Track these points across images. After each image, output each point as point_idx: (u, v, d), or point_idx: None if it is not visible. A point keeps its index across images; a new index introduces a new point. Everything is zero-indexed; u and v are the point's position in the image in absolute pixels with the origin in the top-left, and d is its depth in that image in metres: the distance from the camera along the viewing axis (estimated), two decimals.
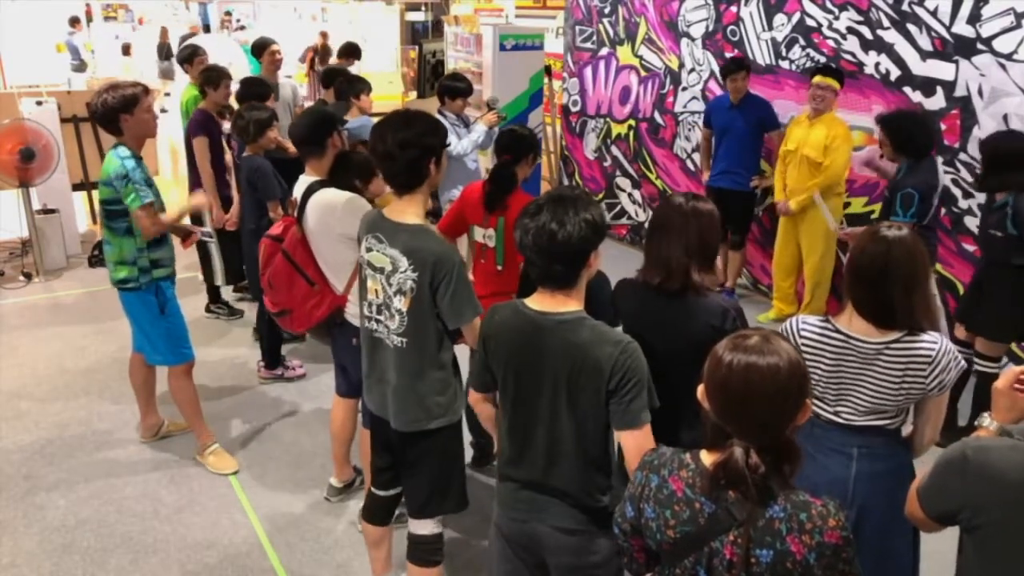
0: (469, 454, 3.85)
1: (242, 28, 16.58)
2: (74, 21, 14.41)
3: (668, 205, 2.38)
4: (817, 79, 5.15)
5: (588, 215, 1.99)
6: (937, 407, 2.25)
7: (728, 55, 6.24)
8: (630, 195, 7.64)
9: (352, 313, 3.27)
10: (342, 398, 3.64)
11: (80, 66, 13.52)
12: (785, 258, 5.68)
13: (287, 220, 3.46)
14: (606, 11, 7.49)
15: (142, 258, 3.73)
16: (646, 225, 7.33)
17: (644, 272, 2.39)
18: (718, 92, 6.43)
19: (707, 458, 1.58)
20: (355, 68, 7.97)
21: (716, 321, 2.26)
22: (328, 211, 3.19)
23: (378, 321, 2.58)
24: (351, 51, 8.43)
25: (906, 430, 2.34)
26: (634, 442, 1.98)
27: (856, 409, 2.26)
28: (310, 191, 3.28)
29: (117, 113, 3.58)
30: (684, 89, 6.82)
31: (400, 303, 2.49)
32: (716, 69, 6.42)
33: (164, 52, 13.23)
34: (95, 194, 8.12)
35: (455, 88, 5.43)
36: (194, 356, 4.04)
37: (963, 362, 2.25)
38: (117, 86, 3.64)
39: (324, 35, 14.58)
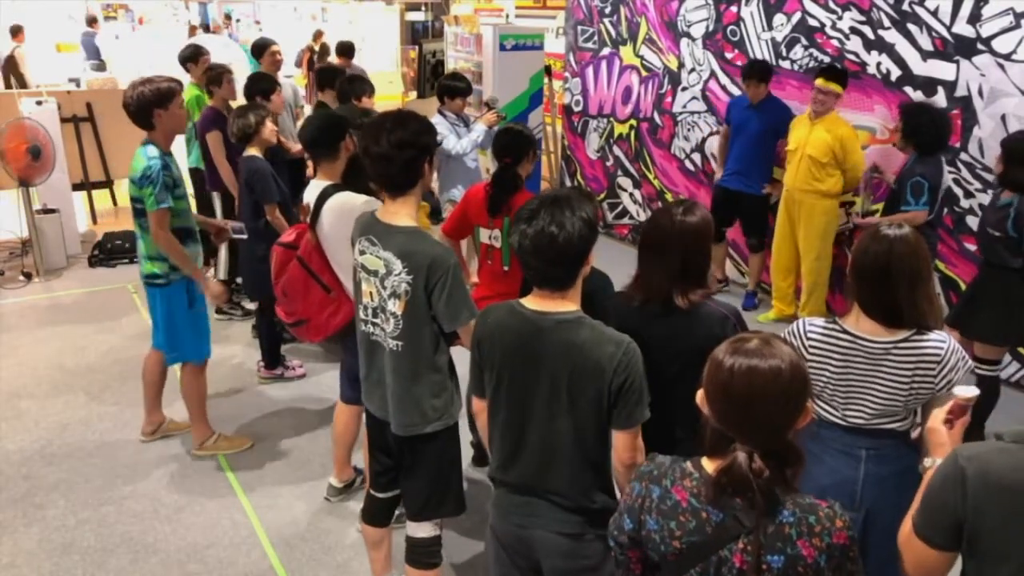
0: (469, 454, 3.86)
1: (257, 23, 16.61)
2: (92, 21, 14.52)
3: (656, 220, 2.33)
4: (820, 83, 5.08)
5: (584, 213, 1.98)
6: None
7: (728, 55, 6.24)
8: (631, 195, 7.64)
9: None
10: (347, 404, 3.59)
11: (99, 65, 13.54)
12: (783, 259, 5.66)
13: (299, 227, 3.39)
14: (607, 11, 7.49)
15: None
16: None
17: (630, 289, 2.37)
18: (719, 92, 6.43)
19: (709, 465, 1.56)
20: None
21: (717, 330, 2.24)
22: (347, 214, 3.09)
23: (374, 324, 2.58)
24: (349, 50, 8.41)
25: (913, 433, 2.33)
26: (627, 441, 2.01)
27: (865, 411, 2.25)
28: (324, 195, 3.21)
29: (152, 107, 3.56)
30: (684, 89, 6.81)
31: (395, 306, 2.48)
32: (717, 69, 6.41)
33: None
34: (95, 194, 8.19)
35: (455, 88, 5.43)
36: (211, 353, 4.07)
37: (970, 362, 2.24)
38: (152, 80, 3.62)
39: (320, 34, 14.59)
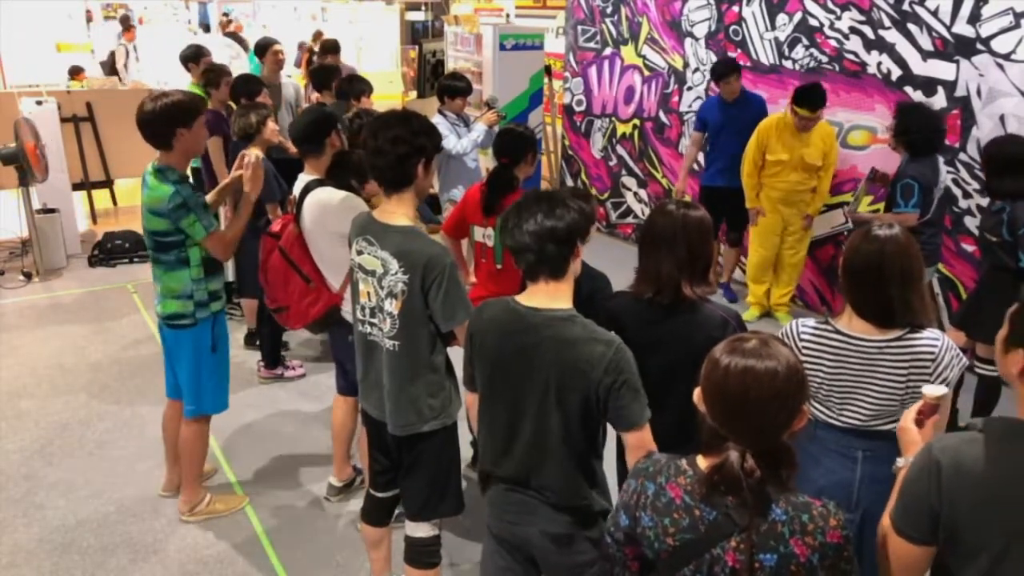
0: (468, 454, 3.85)
1: (264, 27, 16.68)
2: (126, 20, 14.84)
3: (658, 215, 2.37)
4: (804, 112, 5.07)
5: (573, 204, 2.04)
6: (942, 407, 2.23)
7: (731, 55, 6.23)
8: (636, 194, 7.64)
9: (348, 311, 3.26)
10: (342, 396, 3.64)
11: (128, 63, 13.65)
12: (768, 261, 5.71)
13: (285, 218, 3.45)
14: (608, 11, 7.49)
15: (199, 291, 3.30)
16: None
17: (636, 285, 2.39)
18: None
19: (703, 463, 1.56)
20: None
21: (717, 333, 2.25)
22: (324, 209, 3.19)
23: (372, 324, 2.58)
24: (335, 48, 8.39)
25: None
26: (637, 441, 2.01)
27: (862, 412, 2.25)
28: (307, 189, 3.29)
29: (176, 126, 3.12)
30: (689, 88, 6.82)
31: (391, 306, 2.48)
32: None
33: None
34: (95, 194, 8.19)
35: (455, 87, 5.41)
36: (228, 405, 3.65)
37: (965, 360, 2.24)
38: (170, 94, 3.17)
39: (319, 34, 14.61)
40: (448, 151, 5.27)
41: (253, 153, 3.44)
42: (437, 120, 5.26)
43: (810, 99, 5.12)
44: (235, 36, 12.01)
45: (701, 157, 6.55)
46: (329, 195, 3.21)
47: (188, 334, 3.34)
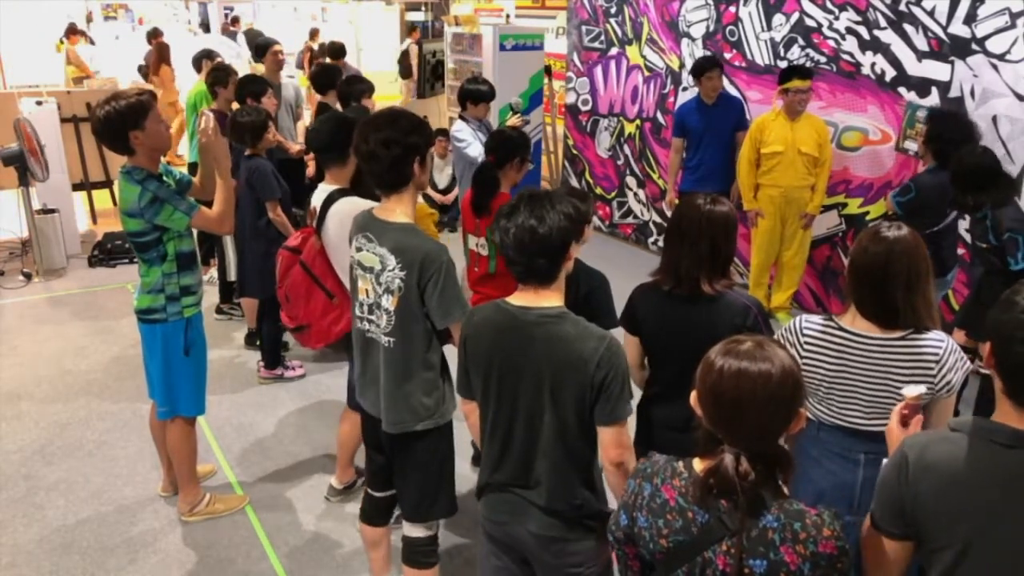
0: (469, 454, 3.87)
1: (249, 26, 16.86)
2: (235, 20, 15.13)
3: (686, 208, 2.40)
4: (799, 84, 5.10)
5: (564, 208, 2.02)
6: (945, 411, 2.21)
7: (727, 55, 6.24)
8: (635, 194, 7.65)
9: None
10: (353, 411, 3.55)
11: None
12: (770, 259, 5.72)
13: (305, 231, 3.32)
14: (612, 11, 7.49)
15: (170, 284, 3.26)
16: (650, 224, 7.39)
17: (658, 275, 2.42)
18: None
19: (699, 465, 1.56)
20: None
21: (739, 319, 2.29)
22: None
23: (370, 321, 2.59)
24: (340, 51, 8.40)
25: None
26: (614, 436, 2.02)
27: (864, 412, 2.24)
28: (331, 200, 3.16)
29: (126, 129, 3.04)
30: (684, 89, 6.83)
31: (388, 302, 2.49)
32: None
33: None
34: (95, 194, 8.20)
35: (478, 92, 5.18)
36: (205, 409, 3.60)
37: (969, 363, 2.23)
38: (119, 95, 3.10)
39: (316, 32, 14.68)
40: (473, 159, 5.19)
41: (206, 114, 3.30)
42: (460, 127, 5.16)
43: (799, 69, 5.18)
44: (232, 35, 12.08)
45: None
46: (357, 206, 3.03)
47: (159, 330, 3.30)
